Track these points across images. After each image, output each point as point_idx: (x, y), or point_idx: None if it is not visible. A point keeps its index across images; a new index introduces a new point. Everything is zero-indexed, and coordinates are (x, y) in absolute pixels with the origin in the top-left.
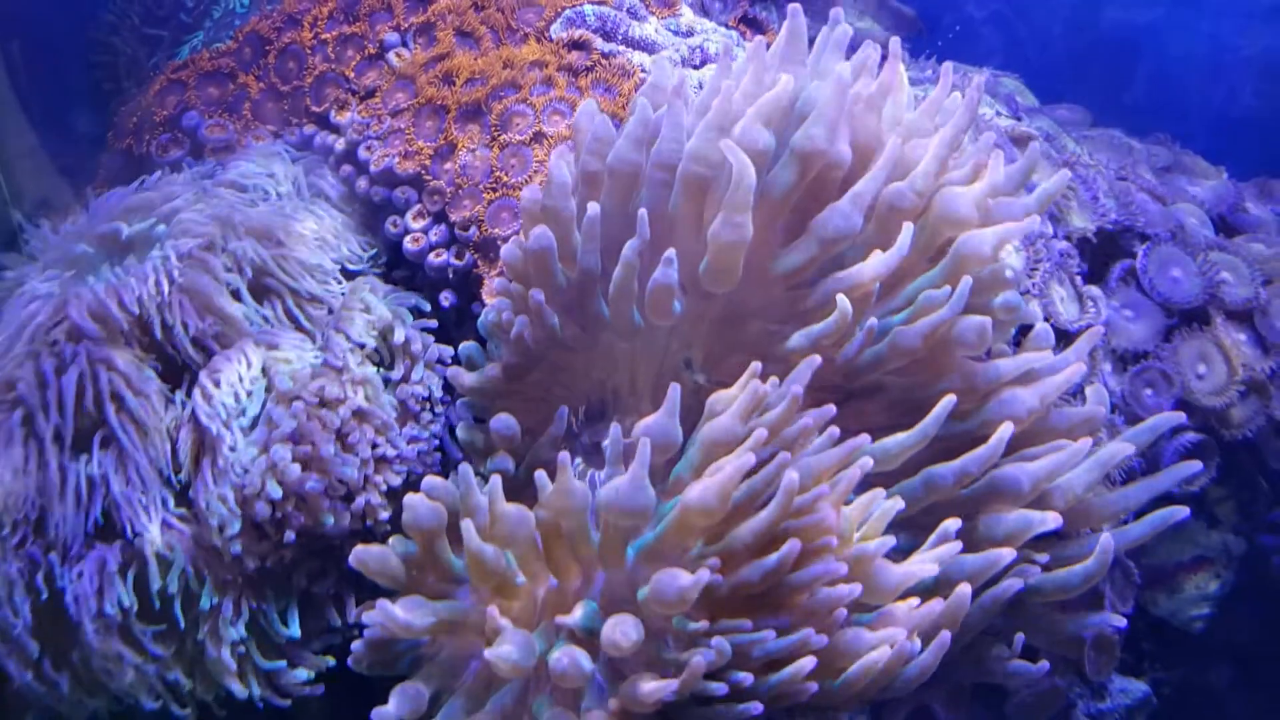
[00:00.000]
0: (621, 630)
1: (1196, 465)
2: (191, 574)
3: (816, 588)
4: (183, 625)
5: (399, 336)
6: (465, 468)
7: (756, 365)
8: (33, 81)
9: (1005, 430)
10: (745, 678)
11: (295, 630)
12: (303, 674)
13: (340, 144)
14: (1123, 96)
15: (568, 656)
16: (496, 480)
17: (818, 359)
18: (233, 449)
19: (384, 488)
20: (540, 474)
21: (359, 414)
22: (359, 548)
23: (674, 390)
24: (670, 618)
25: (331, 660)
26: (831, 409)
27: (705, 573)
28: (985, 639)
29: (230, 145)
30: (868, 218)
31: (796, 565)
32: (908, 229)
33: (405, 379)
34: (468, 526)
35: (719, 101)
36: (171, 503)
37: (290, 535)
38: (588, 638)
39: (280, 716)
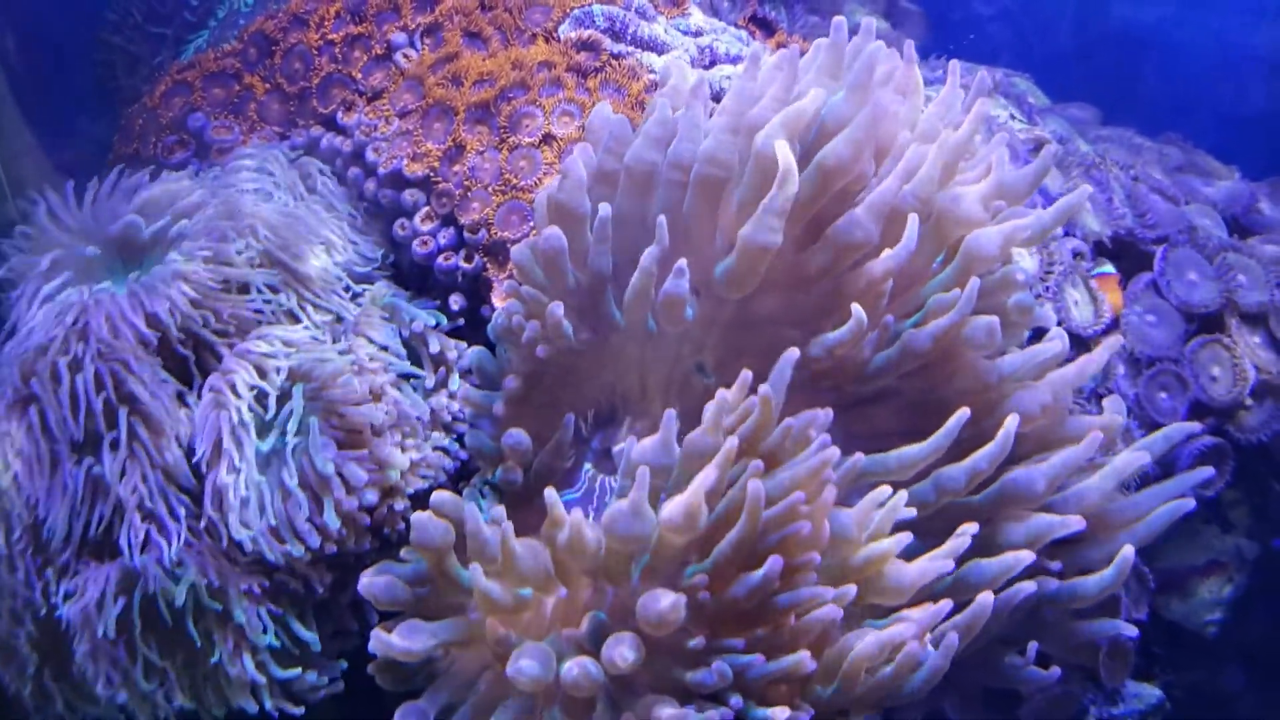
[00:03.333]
0: (619, 652)
1: (1209, 471)
2: (203, 587)
3: (805, 609)
4: (198, 642)
5: (434, 346)
6: (471, 507)
7: (746, 375)
8: (31, 80)
9: (1012, 423)
10: (738, 701)
11: (314, 639)
12: (313, 676)
13: (347, 145)
14: (1132, 94)
15: (578, 666)
16: (509, 527)
17: (795, 353)
18: (244, 462)
19: (409, 492)
20: (550, 492)
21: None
22: (365, 581)
23: (669, 416)
24: (673, 633)
25: (344, 664)
26: (826, 414)
27: (682, 596)
28: (999, 644)
29: (236, 147)
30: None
31: (783, 580)
32: (913, 220)
33: (439, 389)
34: (475, 569)
35: (734, 103)
36: (183, 513)
37: (331, 549)
38: (596, 649)
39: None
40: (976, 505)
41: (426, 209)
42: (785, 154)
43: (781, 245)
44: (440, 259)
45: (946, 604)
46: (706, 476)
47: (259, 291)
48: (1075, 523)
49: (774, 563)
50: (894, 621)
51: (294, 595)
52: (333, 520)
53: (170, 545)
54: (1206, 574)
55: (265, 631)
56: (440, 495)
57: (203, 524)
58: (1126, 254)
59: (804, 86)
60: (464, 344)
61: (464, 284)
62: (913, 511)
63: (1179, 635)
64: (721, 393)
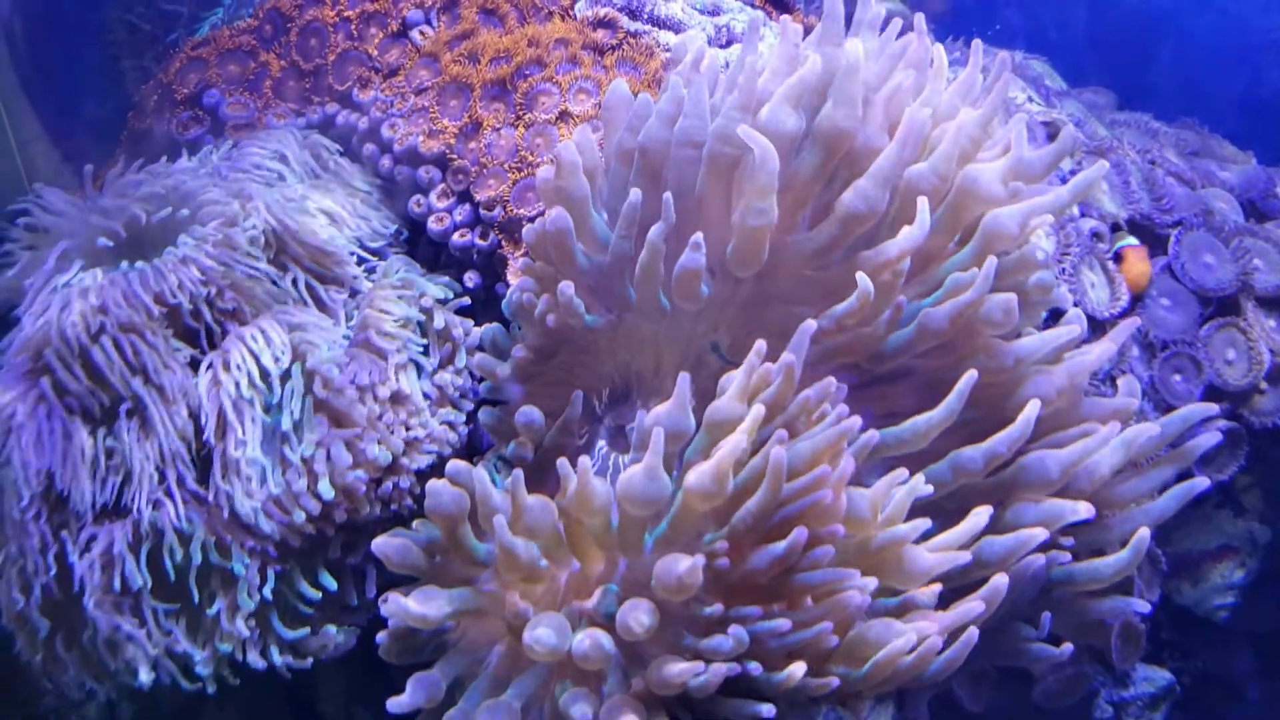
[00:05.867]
0: (634, 616)
1: (1216, 437)
2: (212, 545)
3: (829, 587)
4: (197, 599)
5: (439, 322)
6: (480, 472)
7: (760, 344)
8: (40, 65)
9: (1032, 409)
10: (756, 668)
11: (332, 584)
12: (332, 629)
13: (363, 123)
14: (1147, 79)
15: (590, 639)
16: (519, 474)
17: (812, 324)
18: (245, 436)
19: (413, 468)
20: (563, 462)
21: (394, 397)
22: (380, 540)
23: (683, 380)
24: (685, 602)
25: (356, 631)
26: (832, 381)
27: (700, 557)
28: (1010, 622)
29: (251, 123)
30: (892, 199)
31: (803, 554)
32: (923, 202)
33: (445, 365)
34: (500, 522)
35: (743, 80)
36: (191, 479)
37: (341, 516)
38: (608, 622)
39: (301, 693)
40: (990, 488)
41: (442, 186)
42: (754, 136)
43: (795, 224)
44: (456, 236)
45: (974, 606)
46: (736, 442)
47: (266, 272)
48: (1085, 509)
49: (799, 534)
50: (906, 605)
51: (301, 553)
52: (326, 490)
53: (178, 509)
54: (1218, 558)
55: (262, 586)
56: (455, 464)
57: (210, 495)
58: (1142, 237)
59: (802, 56)
60: (471, 322)
61: (479, 261)
62: (925, 482)
63: (1189, 621)
64: (750, 361)
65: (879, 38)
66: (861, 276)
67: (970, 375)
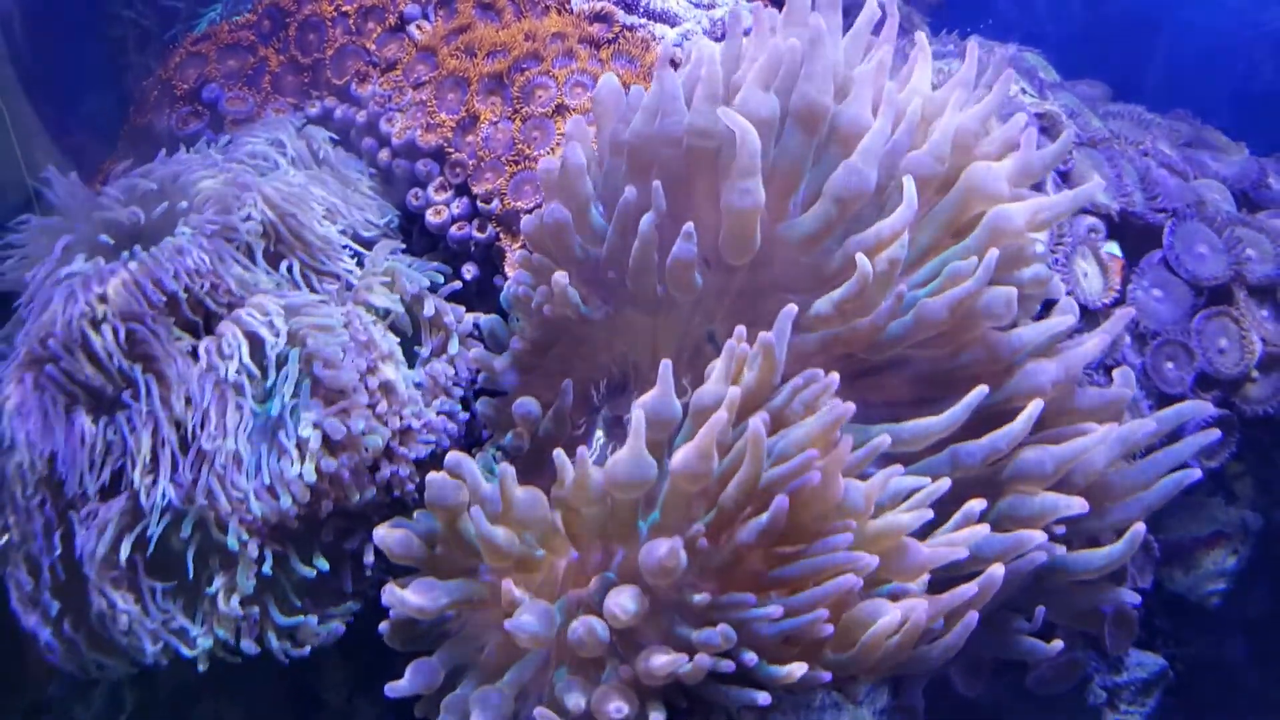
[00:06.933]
0: (619, 603)
1: (1214, 434)
2: (211, 524)
3: (834, 572)
4: (191, 576)
5: (429, 310)
6: (470, 462)
7: (740, 329)
8: (39, 62)
9: (1034, 407)
10: (751, 658)
11: (325, 566)
12: (314, 620)
13: (361, 116)
14: (1142, 72)
15: (584, 626)
16: (507, 468)
17: (793, 308)
18: (218, 429)
19: (411, 457)
20: (559, 453)
21: (385, 387)
22: (381, 531)
23: (665, 366)
24: (679, 589)
25: (355, 607)
26: (820, 372)
27: (679, 539)
28: (1005, 613)
29: (250, 118)
30: (890, 189)
31: (800, 534)
32: (909, 180)
33: (438, 354)
34: (477, 513)
35: (707, 70)
36: (186, 463)
37: (328, 505)
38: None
39: (303, 680)
40: (985, 480)
41: (440, 179)
42: (733, 117)
43: (787, 212)
44: (454, 228)
45: (967, 589)
46: (717, 418)
47: (262, 262)
48: (1079, 504)
49: (780, 503)
50: (897, 592)
51: (297, 537)
52: (310, 474)
53: (174, 492)
54: (1210, 545)
55: (260, 567)
56: (454, 455)
57: (199, 479)
58: (1135, 229)
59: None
60: (463, 309)
61: (477, 254)
62: (949, 484)
63: (1182, 607)
64: (729, 345)
65: (839, 15)
66: (860, 258)
67: (980, 391)
